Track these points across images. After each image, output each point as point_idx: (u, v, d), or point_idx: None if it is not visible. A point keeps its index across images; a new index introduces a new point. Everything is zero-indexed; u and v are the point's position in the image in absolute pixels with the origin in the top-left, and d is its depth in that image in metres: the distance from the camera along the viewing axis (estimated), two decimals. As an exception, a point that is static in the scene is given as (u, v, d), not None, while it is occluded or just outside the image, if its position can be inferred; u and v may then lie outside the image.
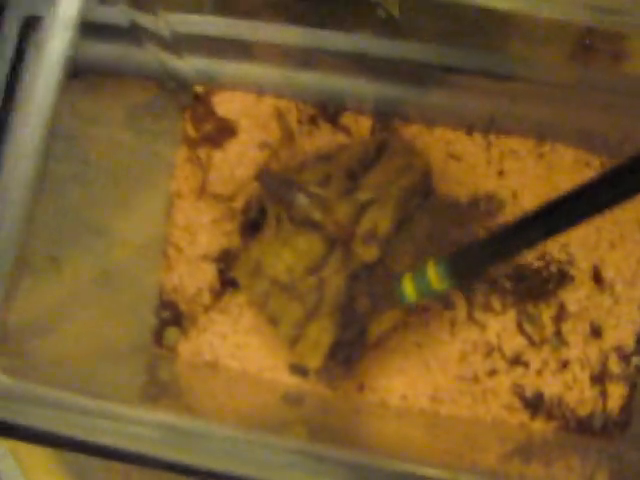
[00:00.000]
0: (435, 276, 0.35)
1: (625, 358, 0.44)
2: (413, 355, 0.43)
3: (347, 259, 0.40)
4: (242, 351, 0.44)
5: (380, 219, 0.40)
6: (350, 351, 0.40)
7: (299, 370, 0.44)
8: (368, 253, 0.40)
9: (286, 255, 0.41)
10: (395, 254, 0.40)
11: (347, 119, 0.44)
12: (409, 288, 0.37)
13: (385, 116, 0.44)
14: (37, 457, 0.62)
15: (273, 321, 0.41)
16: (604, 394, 0.43)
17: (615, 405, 0.44)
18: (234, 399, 0.44)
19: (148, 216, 0.46)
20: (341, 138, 0.44)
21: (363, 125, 0.44)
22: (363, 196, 0.41)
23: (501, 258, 0.31)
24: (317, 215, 0.40)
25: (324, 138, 0.44)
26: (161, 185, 0.45)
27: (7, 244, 0.34)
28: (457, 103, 0.43)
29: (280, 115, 0.44)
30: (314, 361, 0.40)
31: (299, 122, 0.44)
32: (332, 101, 0.44)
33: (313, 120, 0.44)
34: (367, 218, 0.40)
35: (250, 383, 0.44)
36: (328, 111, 0.44)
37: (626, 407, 0.44)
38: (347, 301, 0.40)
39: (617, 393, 0.43)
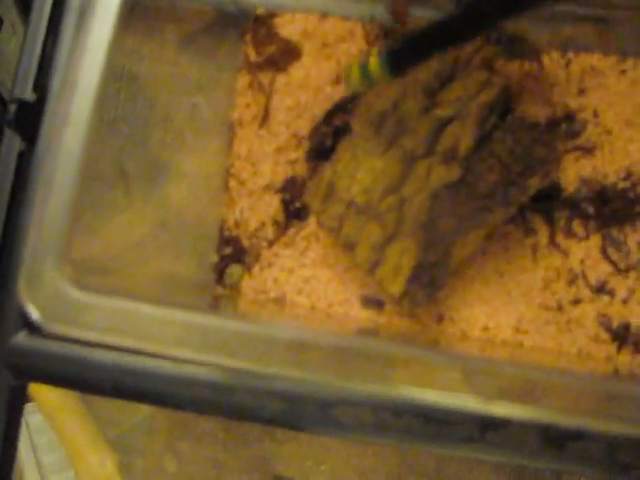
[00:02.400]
0: (375, 65, 0.35)
1: None
2: (494, 284, 0.41)
3: (428, 178, 0.38)
4: (310, 285, 0.42)
5: (461, 136, 0.38)
6: (434, 274, 0.38)
7: (373, 302, 0.41)
8: (450, 172, 0.38)
9: (362, 176, 0.39)
10: (478, 172, 0.38)
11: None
12: (355, 75, 0.36)
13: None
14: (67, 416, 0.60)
15: (349, 246, 0.39)
16: (694, 325, 0.41)
17: None
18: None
19: (208, 148, 0.43)
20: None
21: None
22: (442, 112, 0.38)
23: (434, 49, 0.33)
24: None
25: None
26: (222, 114, 0.43)
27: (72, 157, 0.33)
28: (535, 26, 0.41)
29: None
30: (395, 285, 0.38)
31: (367, 42, 0.42)
32: (401, 21, 0.42)
33: (382, 40, 0.42)
34: (447, 135, 0.38)
35: (320, 319, 0.41)
36: (397, 30, 0.42)
37: None
38: (429, 221, 0.37)
39: None
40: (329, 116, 0.41)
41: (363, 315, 0.41)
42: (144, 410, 0.65)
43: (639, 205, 0.41)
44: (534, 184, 0.38)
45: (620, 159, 0.41)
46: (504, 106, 0.40)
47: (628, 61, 0.41)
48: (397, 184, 0.38)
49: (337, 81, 0.42)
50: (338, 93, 0.42)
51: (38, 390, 0.65)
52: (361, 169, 0.39)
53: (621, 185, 0.41)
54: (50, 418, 0.65)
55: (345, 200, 0.39)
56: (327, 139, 0.41)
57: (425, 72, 0.39)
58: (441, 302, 0.41)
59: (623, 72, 0.41)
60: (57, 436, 0.64)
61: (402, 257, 0.38)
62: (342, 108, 0.41)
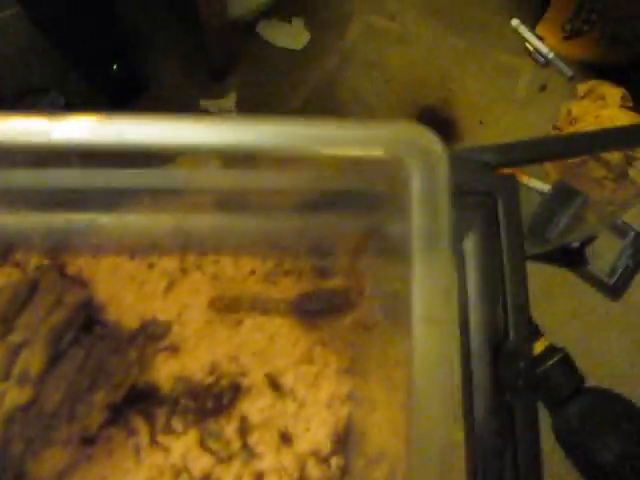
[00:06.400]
0: None
1: (324, 460, 0.43)
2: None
3: (3, 402, 0.40)
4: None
5: (31, 360, 0.40)
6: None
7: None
8: (21, 394, 0.40)
9: None
10: (47, 392, 0.40)
11: (19, 256, 0.45)
12: None
13: (55, 250, 0.45)
14: None
15: None
16: (309, 502, 0.42)
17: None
18: None
19: None
20: (15, 275, 0.45)
21: (33, 261, 0.45)
22: (15, 338, 0.41)
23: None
24: None
25: (-4, 281, 0.44)
26: None
27: None
28: (120, 227, 0.44)
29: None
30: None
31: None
32: (-1, 241, 0.45)
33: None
34: (21, 360, 0.41)
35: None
36: (-6, 251, 0.45)
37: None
38: (2, 446, 0.40)
39: (325, 499, 0.42)
40: None
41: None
42: None
43: (226, 397, 0.43)
44: (100, 399, 0.40)
45: (204, 356, 0.43)
46: (85, 320, 0.42)
47: (208, 257, 0.44)
48: (-28, 414, 0.41)
49: None
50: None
51: None
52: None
53: (207, 380, 0.43)
54: None
55: None
56: None
57: (-1, 299, 0.42)
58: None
59: (201, 270, 0.44)
60: None
61: (-26, 487, 0.40)
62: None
